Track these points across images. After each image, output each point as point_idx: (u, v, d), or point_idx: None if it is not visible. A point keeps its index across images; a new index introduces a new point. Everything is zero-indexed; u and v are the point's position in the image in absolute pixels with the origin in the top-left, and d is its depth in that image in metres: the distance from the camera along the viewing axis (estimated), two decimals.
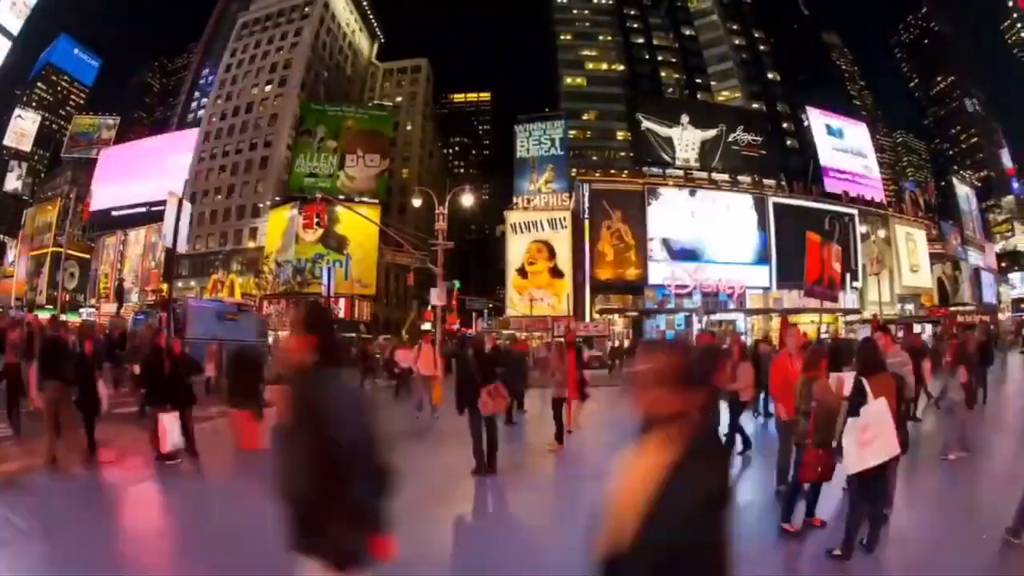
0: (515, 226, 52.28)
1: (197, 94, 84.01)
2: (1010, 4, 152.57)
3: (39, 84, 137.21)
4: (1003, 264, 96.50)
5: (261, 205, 62.78)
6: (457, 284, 48.46)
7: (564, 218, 51.08)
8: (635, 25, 70.21)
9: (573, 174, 53.79)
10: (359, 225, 50.94)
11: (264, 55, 70.98)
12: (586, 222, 48.77)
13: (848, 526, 4.77)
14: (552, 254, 50.60)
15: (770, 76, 69.05)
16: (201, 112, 75.62)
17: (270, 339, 32.69)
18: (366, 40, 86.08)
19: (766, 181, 54.85)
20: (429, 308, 39.80)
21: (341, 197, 54.24)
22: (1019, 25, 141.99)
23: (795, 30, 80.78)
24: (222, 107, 70.37)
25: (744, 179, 54.12)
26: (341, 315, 53.73)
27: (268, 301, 53.48)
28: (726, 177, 53.68)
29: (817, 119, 60.97)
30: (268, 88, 68.69)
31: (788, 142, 62.70)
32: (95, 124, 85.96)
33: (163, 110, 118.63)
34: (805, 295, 44.38)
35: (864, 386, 4.80)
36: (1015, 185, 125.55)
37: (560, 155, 54.63)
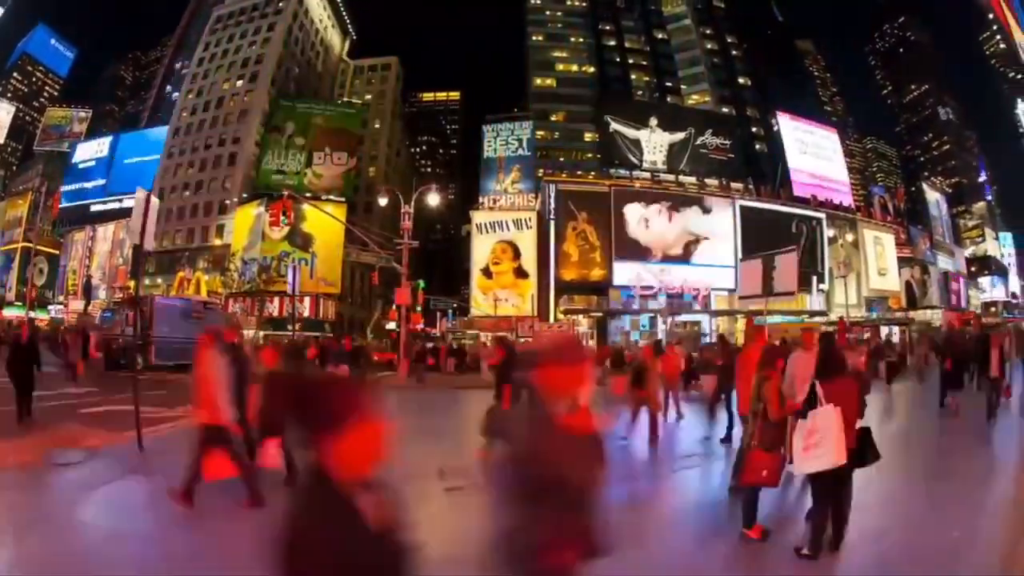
0: (480, 226, 51.59)
1: (169, 88, 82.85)
2: (990, 17, 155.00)
3: (15, 74, 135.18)
4: (973, 268, 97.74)
5: (228, 202, 61.93)
6: (422, 284, 48.19)
7: (530, 219, 50.47)
8: (607, 27, 69.87)
9: (540, 175, 53.25)
10: (325, 223, 50.12)
11: (237, 50, 70.02)
12: (552, 223, 48.21)
13: (813, 524, 4.79)
14: (517, 254, 49.96)
15: (741, 81, 69.05)
16: (172, 107, 74.44)
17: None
18: (338, 37, 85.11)
19: (734, 184, 54.56)
20: (394, 308, 39.31)
21: (308, 195, 53.70)
22: (998, 37, 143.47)
23: (768, 36, 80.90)
24: (193, 102, 69.31)
25: (712, 182, 53.83)
26: (306, 314, 53.13)
27: (234, 299, 53.22)
28: (693, 180, 53.36)
29: (787, 124, 61.01)
30: (239, 83, 67.76)
31: (757, 146, 62.68)
32: (67, 117, 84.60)
33: (134, 104, 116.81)
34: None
35: (816, 389, 4.69)
36: (988, 192, 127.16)
37: (527, 155, 54.11)
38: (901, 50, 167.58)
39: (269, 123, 62.70)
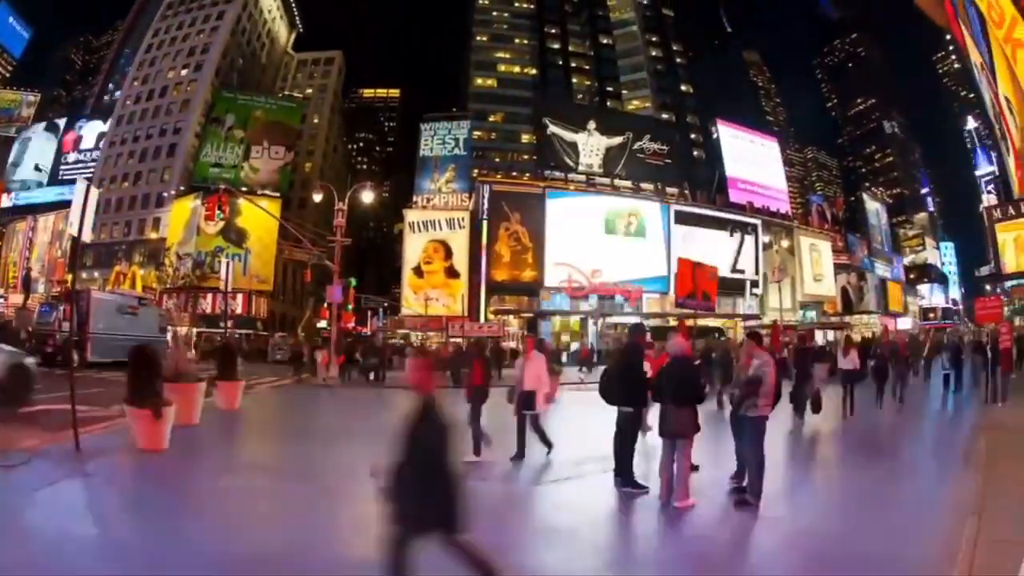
0: (413, 225, 50.45)
1: (116, 75, 79.93)
2: (947, 37, 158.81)
3: None
4: (912, 276, 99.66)
5: (166, 194, 59.93)
6: (354, 282, 46.97)
7: (463, 218, 49.50)
8: (553, 31, 69.57)
9: (475, 175, 52.38)
10: (260, 219, 48.94)
11: (185, 37, 67.72)
12: (484, 223, 47.26)
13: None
14: (449, 254, 48.95)
15: (683, 88, 69.29)
16: (118, 94, 71.49)
17: (169, 335, 31.00)
18: (285, 28, 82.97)
19: (669, 189, 54.33)
20: (325, 306, 38.06)
21: (244, 189, 52.19)
22: (953, 57, 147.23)
23: (715, 46, 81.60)
24: (138, 90, 66.79)
25: (647, 186, 53.46)
26: (239, 311, 51.57)
27: (168, 295, 51.36)
28: (629, 184, 52.91)
29: (726, 132, 60.85)
30: (184, 72, 65.61)
31: (695, 153, 62.82)
32: (17, 100, 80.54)
33: (82, 89, 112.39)
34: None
35: None
36: (929, 203, 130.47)
37: (463, 155, 53.20)
38: (850, 65, 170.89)
39: (210, 114, 60.81)
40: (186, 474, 7.55)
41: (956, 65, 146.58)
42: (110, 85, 79.03)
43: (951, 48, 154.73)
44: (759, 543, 5.51)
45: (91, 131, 66.58)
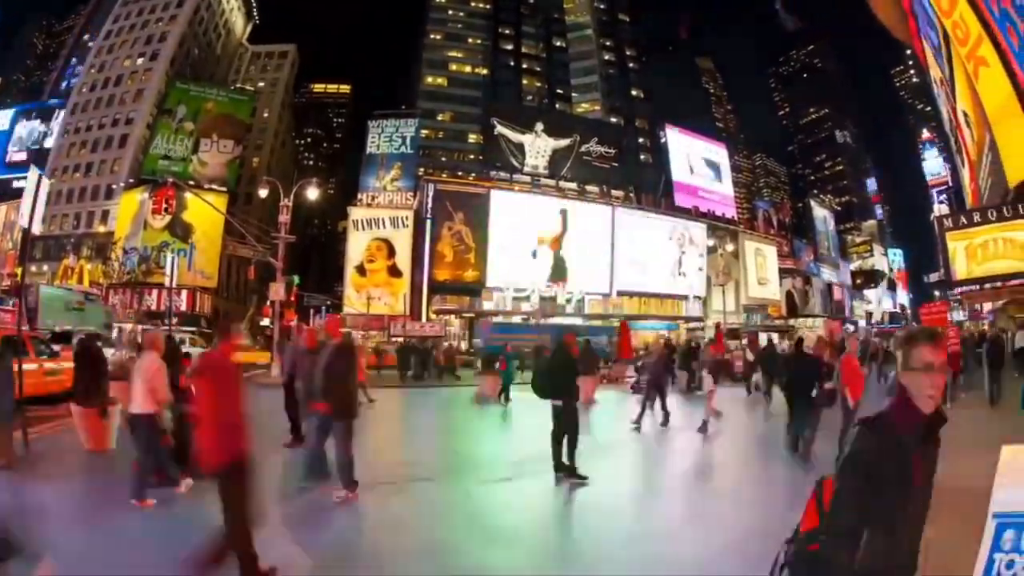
0: (357, 222, 49.61)
1: (75, 61, 77.30)
2: (908, 52, 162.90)
3: None
4: (859, 281, 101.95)
5: (115, 187, 58.20)
6: (297, 280, 45.95)
7: (407, 217, 48.82)
8: (507, 31, 69.26)
9: (420, 173, 51.80)
10: (206, 214, 47.56)
11: (144, 24, 65.78)
12: (428, 222, 46.74)
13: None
14: (392, 252, 48.23)
15: (634, 93, 69.60)
16: (75, 81, 69.18)
17: (115, 331, 29.87)
18: (241, 19, 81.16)
19: (614, 192, 54.41)
20: (268, 304, 37.20)
21: (192, 183, 50.81)
22: (912, 72, 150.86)
23: (669, 52, 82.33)
24: (94, 78, 64.75)
25: (593, 189, 53.48)
26: (183, 308, 50.23)
27: (114, 290, 49.81)
28: (573, 186, 52.89)
29: (675, 136, 61.02)
30: (140, 61, 63.82)
31: (643, 157, 63.15)
32: None
33: (40, 75, 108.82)
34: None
35: None
36: (878, 210, 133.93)
37: (410, 153, 52.42)
38: (805, 75, 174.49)
39: (162, 105, 59.01)
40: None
41: (915, 79, 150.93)
42: (68, 71, 76.71)
43: (910, 63, 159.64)
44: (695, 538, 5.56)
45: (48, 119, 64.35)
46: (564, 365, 7.57)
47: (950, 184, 63.70)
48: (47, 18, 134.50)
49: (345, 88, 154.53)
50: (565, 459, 7.24)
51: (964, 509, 4.33)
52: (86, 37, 77.15)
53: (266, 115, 73.70)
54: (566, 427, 7.25)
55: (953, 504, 5.38)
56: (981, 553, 2.52)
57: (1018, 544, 2.47)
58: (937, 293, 66.76)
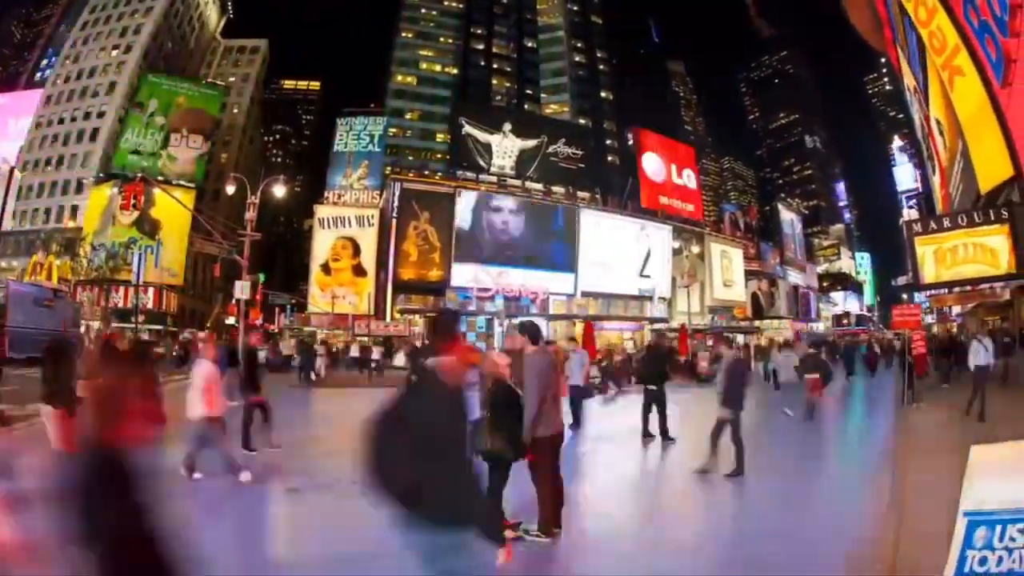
0: (323, 221, 49.29)
1: (51, 51, 75.79)
2: (882, 60, 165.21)
3: None
4: (825, 284, 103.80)
5: (85, 181, 57.11)
6: (262, 278, 45.51)
7: (372, 216, 48.60)
8: (479, 31, 69.29)
9: (387, 172, 51.64)
10: (173, 210, 46.78)
11: (120, 16, 64.89)
12: (394, 221, 46.53)
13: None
14: (357, 251, 48.00)
15: (603, 95, 70.01)
16: (49, 72, 68.02)
17: (82, 329, 29.35)
18: (216, 13, 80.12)
19: (580, 193, 54.56)
20: (233, 302, 36.83)
21: (160, 178, 50.02)
22: (886, 79, 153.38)
23: (641, 55, 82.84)
24: (69, 69, 63.80)
25: (559, 190, 53.62)
26: (149, 305, 49.50)
27: (82, 287, 48.98)
28: (539, 187, 53.02)
29: (642, 139, 61.23)
30: (114, 53, 62.92)
31: (610, 158, 63.54)
32: None
33: (17, 64, 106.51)
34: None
35: None
36: (846, 214, 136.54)
37: (377, 152, 52.15)
38: (776, 80, 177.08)
39: (134, 99, 58.07)
40: None
41: (888, 87, 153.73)
42: (43, 62, 75.19)
43: (884, 70, 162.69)
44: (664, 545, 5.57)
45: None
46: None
47: (920, 190, 64.87)
48: (25, 6, 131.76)
49: (315, 85, 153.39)
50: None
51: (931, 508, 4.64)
52: (63, 27, 75.84)
53: (235, 111, 72.92)
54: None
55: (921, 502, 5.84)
56: (952, 550, 2.64)
57: (990, 541, 2.57)
58: (904, 296, 68.08)
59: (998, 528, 2.59)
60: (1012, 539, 2.56)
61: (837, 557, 4.99)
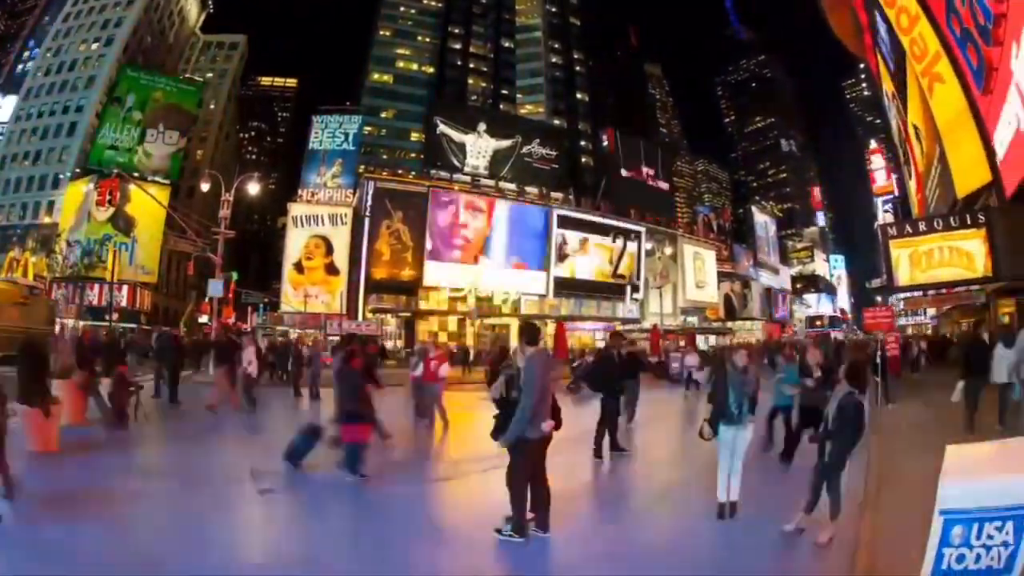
0: (297, 219, 49.00)
1: (32, 43, 74.42)
2: (861, 66, 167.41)
3: None
4: (799, 286, 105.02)
5: (62, 176, 56.29)
6: (235, 276, 45.24)
7: (346, 214, 48.40)
8: (457, 30, 69.33)
9: (361, 171, 51.54)
10: (148, 207, 46.38)
11: (101, 8, 63.62)
12: (366, 220, 46.50)
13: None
14: (330, 250, 47.77)
15: (579, 96, 70.43)
16: (31, 64, 66.47)
17: (57, 327, 28.83)
18: (196, 7, 78.85)
19: (553, 194, 54.87)
20: (207, 300, 36.62)
21: (136, 174, 49.40)
22: (864, 85, 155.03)
23: (618, 57, 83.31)
24: (49, 62, 62.45)
25: (532, 190, 53.88)
26: (123, 303, 48.88)
27: (57, 284, 48.22)
28: (513, 187, 53.26)
29: (616, 140, 61.73)
30: (94, 46, 61.76)
31: (584, 159, 63.96)
32: None
33: None
34: None
35: None
36: (820, 218, 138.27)
37: (352, 150, 51.88)
38: (753, 84, 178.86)
39: (112, 93, 57.05)
40: (79, 476, 7.37)
41: (866, 93, 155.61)
42: (25, 55, 73.85)
43: (863, 76, 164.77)
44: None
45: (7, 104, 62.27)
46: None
47: (896, 194, 65.75)
48: None
49: (292, 82, 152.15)
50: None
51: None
52: (47, 19, 74.56)
53: (212, 106, 72.06)
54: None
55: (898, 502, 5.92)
56: (929, 548, 2.67)
57: (967, 539, 2.61)
58: (879, 299, 69.01)
59: (975, 526, 2.61)
60: (990, 537, 2.59)
61: (813, 557, 5.00)
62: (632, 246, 56.44)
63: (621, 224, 56.28)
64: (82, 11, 64.53)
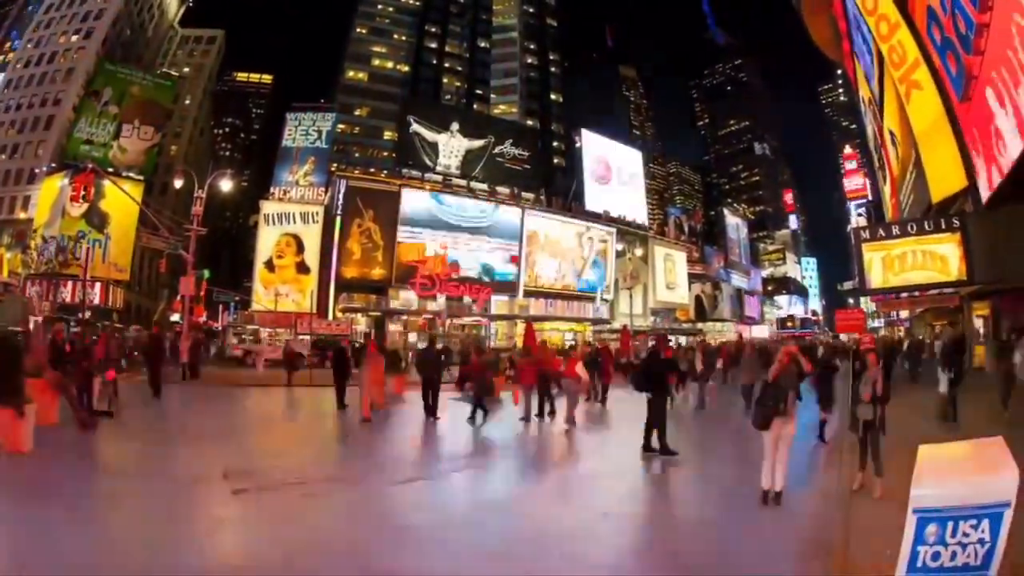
0: (269, 217, 48.71)
1: (15, 34, 72.74)
2: (839, 72, 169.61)
3: None
4: (770, 287, 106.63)
5: (38, 171, 55.14)
6: (206, 274, 44.95)
7: (317, 212, 48.29)
8: (433, 29, 69.40)
9: (333, 169, 51.45)
10: (121, 203, 46.21)
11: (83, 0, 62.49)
12: (338, 218, 46.46)
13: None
14: (301, 248, 47.61)
15: (553, 96, 70.93)
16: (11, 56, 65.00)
17: (31, 324, 28.41)
18: (176, 1, 78.40)
19: (525, 194, 55.17)
20: (179, 298, 36.40)
21: (110, 170, 48.72)
22: (841, 90, 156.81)
23: (594, 59, 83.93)
24: (29, 53, 61.08)
25: (503, 190, 54.14)
26: (96, 301, 48.24)
27: (31, 281, 47.59)
28: (484, 186, 53.52)
29: (589, 140, 61.81)
30: (74, 38, 60.55)
31: (556, 160, 64.43)
32: None
33: None
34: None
35: None
36: (793, 221, 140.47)
37: (324, 148, 51.58)
38: (729, 88, 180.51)
39: (89, 87, 56.26)
40: (51, 477, 7.29)
41: (843, 98, 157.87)
42: (7, 45, 72.25)
43: (840, 82, 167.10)
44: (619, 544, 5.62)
45: None
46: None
47: (870, 198, 67.09)
48: None
49: (267, 78, 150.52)
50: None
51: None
52: (30, 8, 73.11)
53: (187, 102, 71.18)
54: None
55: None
56: (903, 547, 2.70)
57: (942, 537, 2.64)
58: (851, 301, 70.31)
59: (949, 525, 2.65)
60: (966, 535, 2.63)
61: (788, 556, 5.03)
62: (601, 247, 56.98)
63: (592, 225, 56.74)
64: (64, 2, 63.45)
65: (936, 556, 2.65)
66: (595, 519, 6.17)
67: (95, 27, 60.83)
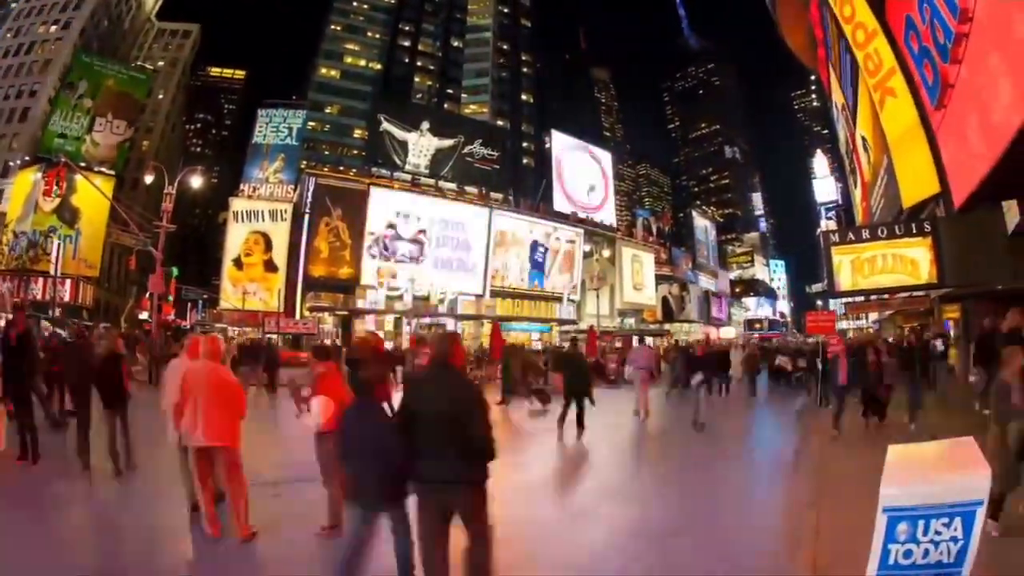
0: (238, 214, 48.41)
1: None
2: (812, 78, 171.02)
3: None
4: (738, 289, 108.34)
5: (11, 164, 54.22)
6: (176, 272, 44.67)
7: (286, 210, 48.19)
8: (407, 28, 69.52)
9: (303, 166, 51.42)
10: (92, 198, 45.57)
11: None
12: (306, 216, 46.51)
13: None
14: (269, 247, 47.49)
15: (524, 97, 71.50)
16: None
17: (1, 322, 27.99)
18: None
19: (493, 194, 55.55)
20: (148, 295, 36.16)
21: (83, 164, 48.00)
22: (813, 96, 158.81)
23: (566, 60, 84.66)
24: (8, 43, 59.86)
25: (472, 190, 54.57)
26: (66, 298, 47.53)
27: (2, 277, 46.87)
28: (453, 186, 53.99)
29: (559, 141, 62.18)
30: (52, 29, 59.64)
31: (525, 161, 65.05)
32: None
33: None
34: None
35: None
36: (761, 223, 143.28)
37: (294, 145, 51.36)
38: (700, 91, 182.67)
39: (65, 79, 55.10)
40: (27, 477, 7.28)
41: (815, 103, 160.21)
42: None
43: (813, 88, 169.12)
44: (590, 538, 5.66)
45: None
46: None
47: (840, 202, 68.50)
48: None
49: (240, 74, 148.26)
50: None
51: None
52: None
53: (160, 96, 70.19)
54: None
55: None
56: (875, 545, 2.73)
57: (913, 535, 2.69)
58: (820, 303, 71.74)
59: (920, 523, 2.69)
60: (938, 532, 2.68)
61: (760, 557, 5.04)
62: (568, 248, 57.74)
63: (560, 226, 57.45)
64: None
65: (908, 554, 2.70)
66: None
67: (74, 17, 59.98)
